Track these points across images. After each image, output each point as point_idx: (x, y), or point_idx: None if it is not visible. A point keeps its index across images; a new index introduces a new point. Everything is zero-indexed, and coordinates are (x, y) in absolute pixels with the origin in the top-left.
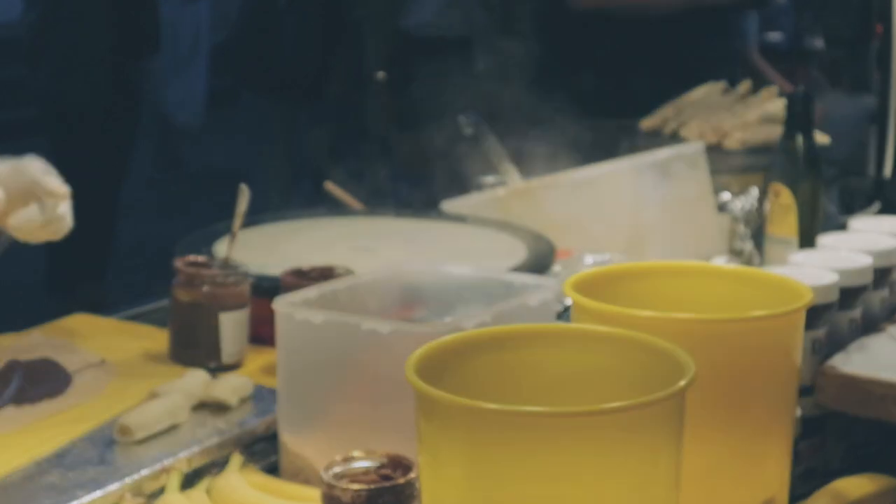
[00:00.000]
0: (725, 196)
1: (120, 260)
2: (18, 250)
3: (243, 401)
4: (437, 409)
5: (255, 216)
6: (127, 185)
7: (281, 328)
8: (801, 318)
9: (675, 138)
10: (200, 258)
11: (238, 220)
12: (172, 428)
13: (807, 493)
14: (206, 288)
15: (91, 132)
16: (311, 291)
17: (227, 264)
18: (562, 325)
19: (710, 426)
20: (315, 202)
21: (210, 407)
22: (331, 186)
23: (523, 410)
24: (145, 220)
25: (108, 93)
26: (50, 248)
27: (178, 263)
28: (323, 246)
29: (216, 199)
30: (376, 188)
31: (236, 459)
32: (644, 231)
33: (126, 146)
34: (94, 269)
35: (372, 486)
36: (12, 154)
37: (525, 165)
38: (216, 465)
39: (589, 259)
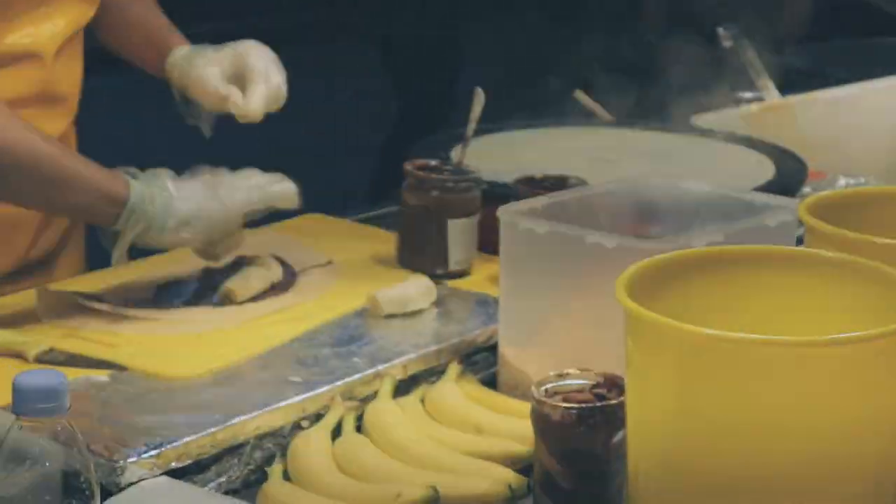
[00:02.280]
0: None
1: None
2: None
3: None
4: (647, 331)
5: (498, 123)
6: None
7: (505, 237)
8: None
9: None
10: (432, 162)
11: (472, 125)
12: (415, 314)
13: None
14: (435, 193)
15: None
16: (539, 201)
17: (458, 169)
18: (790, 248)
19: None
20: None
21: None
22: (580, 95)
23: (740, 337)
24: None
25: None
26: None
27: (408, 167)
28: (563, 156)
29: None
30: (628, 100)
31: (454, 369)
32: None
33: None
34: None
35: (583, 406)
36: None
37: (784, 81)
38: (433, 374)
39: (842, 181)
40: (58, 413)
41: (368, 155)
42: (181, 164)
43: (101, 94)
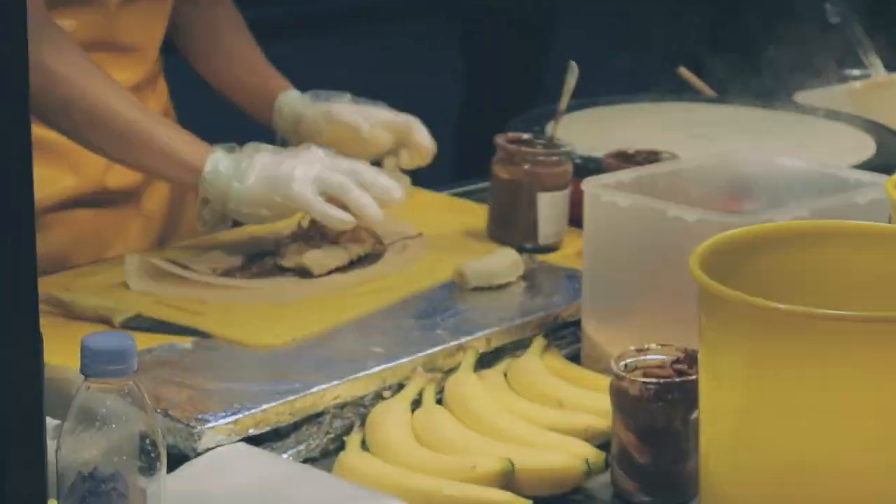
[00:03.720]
0: None
1: None
2: None
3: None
4: (718, 306)
5: (597, 97)
6: None
7: (588, 210)
8: None
9: None
10: (523, 136)
11: (565, 98)
12: (502, 288)
13: None
14: (526, 166)
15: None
16: (627, 174)
17: (550, 143)
18: (873, 224)
19: None
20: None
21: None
22: (684, 71)
23: (813, 312)
24: None
25: None
26: None
27: (499, 140)
28: (660, 130)
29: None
30: (731, 75)
31: (538, 343)
32: None
33: None
34: None
35: (661, 381)
36: None
37: (892, 59)
38: (518, 348)
39: None
40: (125, 375)
41: (450, 130)
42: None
43: None
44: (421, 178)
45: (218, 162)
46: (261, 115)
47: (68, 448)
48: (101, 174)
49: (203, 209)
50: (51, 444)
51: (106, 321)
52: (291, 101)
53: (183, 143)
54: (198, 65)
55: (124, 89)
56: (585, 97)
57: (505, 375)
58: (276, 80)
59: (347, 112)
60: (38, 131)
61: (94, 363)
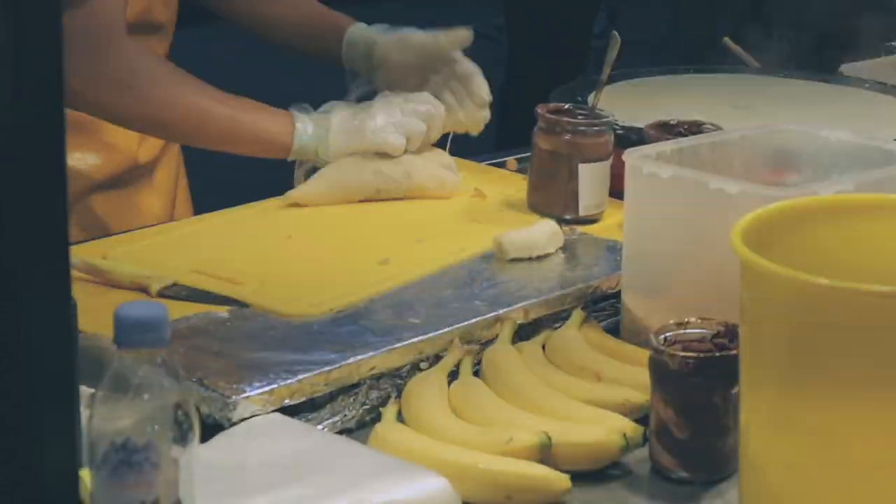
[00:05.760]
0: None
1: None
2: None
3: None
4: (760, 280)
5: (641, 68)
6: None
7: (629, 181)
8: None
9: None
10: (565, 106)
11: (607, 69)
12: (541, 259)
13: None
14: (566, 136)
15: None
16: (668, 145)
17: (591, 113)
18: None
19: None
20: (711, 57)
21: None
22: (728, 42)
23: (855, 288)
24: None
25: None
26: None
27: (540, 110)
28: (704, 102)
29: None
30: (779, 48)
31: (577, 315)
32: None
33: None
34: None
35: (701, 355)
36: None
37: None
38: (557, 320)
39: None
40: (158, 345)
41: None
42: None
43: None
44: (464, 148)
45: (302, 135)
46: (326, 51)
47: (101, 417)
48: (135, 149)
49: (297, 170)
50: (84, 413)
51: (143, 289)
52: (364, 30)
53: (268, 123)
54: (250, 14)
55: (200, 83)
56: (628, 67)
57: (543, 348)
58: (341, 17)
59: (420, 35)
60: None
61: (126, 333)
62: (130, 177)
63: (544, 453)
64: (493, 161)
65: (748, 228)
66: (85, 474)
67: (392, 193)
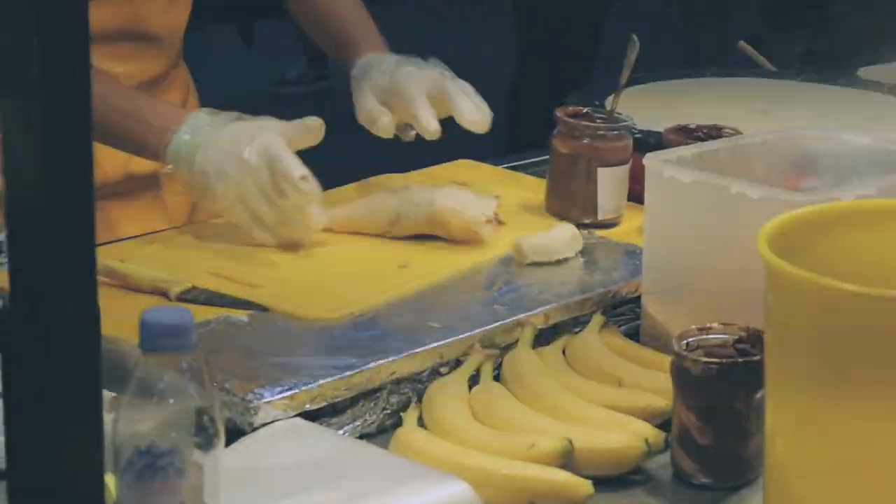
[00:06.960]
0: None
1: None
2: None
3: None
4: (786, 286)
5: (658, 72)
6: None
7: (650, 186)
8: None
9: None
10: (583, 109)
11: (626, 73)
12: (561, 263)
13: None
14: (585, 140)
15: None
16: (689, 149)
17: (609, 117)
18: None
19: None
20: (727, 61)
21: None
22: (744, 46)
23: (883, 293)
24: None
25: None
26: None
27: (559, 113)
28: (720, 105)
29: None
30: (795, 52)
31: (597, 320)
32: None
33: None
34: None
35: (724, 361)
36: None
37: None
38: (577, 324)
39: None
40: (183, 350)
41: (503, 102)
42: None
43: None
44: (475, 151)
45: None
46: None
47: (125, 422)
48: (125, 160)
49: None
50: (107, 418)
51: (162, 293)
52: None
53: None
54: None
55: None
56: (646, 71)
57: (563, 352)
58: (368, 36)
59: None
60: None
61: (152, 338)
62: (131, 193)
63: (566, 459)
64: (510, 164)
65: (773, 233)
66: (109, 479)
67: (412, 218)
